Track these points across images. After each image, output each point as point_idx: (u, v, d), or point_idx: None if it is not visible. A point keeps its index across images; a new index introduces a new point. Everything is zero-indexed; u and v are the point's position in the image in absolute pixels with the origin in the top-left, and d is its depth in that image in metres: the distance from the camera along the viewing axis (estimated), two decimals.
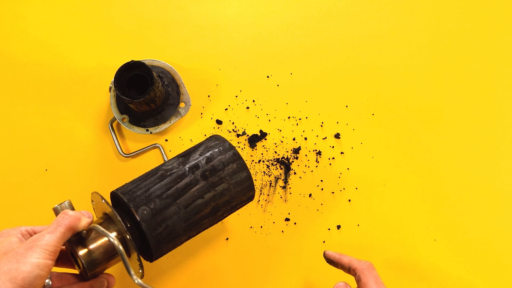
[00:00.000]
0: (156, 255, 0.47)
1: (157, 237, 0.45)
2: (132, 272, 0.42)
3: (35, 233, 0.43)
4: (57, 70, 0.70)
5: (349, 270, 0.49)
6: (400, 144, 0.67)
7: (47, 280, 0.43)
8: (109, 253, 0.44)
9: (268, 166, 0.66)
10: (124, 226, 0.44)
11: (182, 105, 0.66)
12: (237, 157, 0.50)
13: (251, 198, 0.53)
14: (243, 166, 0.49)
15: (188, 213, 0.46)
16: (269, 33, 0.71)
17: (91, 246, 0.43)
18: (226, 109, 0.68)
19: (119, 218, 0.43)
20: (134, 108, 0.63)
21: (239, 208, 0.53)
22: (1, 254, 0.38)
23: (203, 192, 0.47)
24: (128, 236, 0.43)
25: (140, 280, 0.42)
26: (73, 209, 0.44)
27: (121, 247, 0.41)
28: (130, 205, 0.45)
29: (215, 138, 0.52)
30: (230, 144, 0.51)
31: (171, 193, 0.46)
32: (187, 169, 0.48)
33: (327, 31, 0.71)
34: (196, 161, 0.49)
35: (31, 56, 0.70)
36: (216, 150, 0.50)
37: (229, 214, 0.52)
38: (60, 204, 0.44)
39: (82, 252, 0.43)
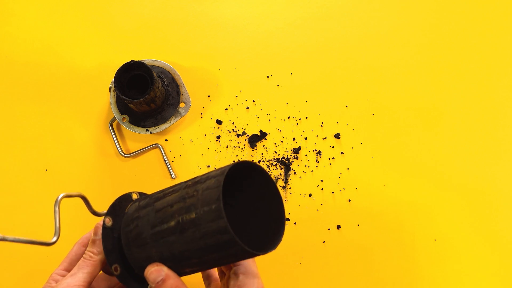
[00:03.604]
0: (129, 258, 0.42)
1: (127, 234, 0.42)
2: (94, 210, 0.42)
3: (67, 271, 0.44)
4: (57, 70, 0.70)
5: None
6: (400, 144, 0.67)
7: None
8: None
9: (268, 166, 0.66)
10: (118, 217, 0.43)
11: (182, 105, 0.66)
12: (220, 173, 0.38)
13: (229, 240, 0.36)
14: (218, 183, 0.37)
15: (156, 218, 0.40)
16: (269, 33, 0.71)
17: None
18: (226, 109, 0.68)
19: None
20: (134, 108, 0.63)
21: (219, 251, 0.37)
22: None
23: (174, 200, 0.40)
24: (109, 221, 0.43)
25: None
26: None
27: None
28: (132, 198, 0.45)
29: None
30: (242, 162, 0.40)
31: (158, 195, 0.43)
32: (192, 178, 0.43)
33: (327, 31, 0.71)
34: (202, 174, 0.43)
35: (31, 56, 0.70)
36: (219, 169, 0.41)
37: (209, 254, 0.38)
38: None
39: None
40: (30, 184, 0.66)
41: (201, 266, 0.40)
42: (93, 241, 0.43)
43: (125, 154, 0.66)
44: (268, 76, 0.69)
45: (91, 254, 0.42)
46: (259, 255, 0.38)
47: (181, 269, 0.41)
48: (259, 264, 0.63)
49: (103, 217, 0.44)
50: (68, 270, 0.44)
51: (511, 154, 0.66)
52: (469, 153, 0.66)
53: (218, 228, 0.36)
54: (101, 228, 0.43)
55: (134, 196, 0.47)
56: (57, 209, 0.41)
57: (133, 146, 0.67)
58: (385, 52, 0.70)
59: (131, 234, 0.42)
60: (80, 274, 0.41)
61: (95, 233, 0.43)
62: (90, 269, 0.41)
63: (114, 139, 0.66)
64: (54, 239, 0.40)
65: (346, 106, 0.68)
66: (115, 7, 0.72)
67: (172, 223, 0.39)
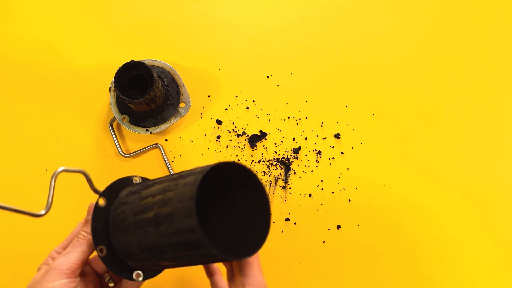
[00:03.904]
0: (114, 243, 0.42)
1: (114, 217, 0.42)
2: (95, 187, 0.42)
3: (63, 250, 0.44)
4: (57, 70, 0.70)
5: None
6: (400, 144, 0.67)
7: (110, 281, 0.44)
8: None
9: (268, 166, 0.66)
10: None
11: (182, 105, 0.66)
12: (201, 171, 0.37)
13: (197, 241, 0.35)
14: (195, 181, 0.36)
15: (139, 207, 0.40)
16: (269, 33, 0.71)
17: None
18: (226, 109, 0.68)
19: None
20: (134, 108, 0.63)
21: (190, 249, 0.37)
22: (28, 287, 0.40)
23: (156, 192, 0.40)
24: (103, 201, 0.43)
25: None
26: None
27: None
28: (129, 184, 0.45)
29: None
30: (227, 162, 0.39)
31: (148, 183, 0.43)
32: (177, 172, 0.43)
33: (327, 31, 0.71)
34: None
35: (31, 56, 0.70)
36: (204, 166, 0.40)
37: (182, 251, 0.37)
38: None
39: None
40: (30, 184, 0.66)
41: (176, 262, 0.40)
42: (87, 221, 0.43)
43: (125, 154, 0.66)
44: (268, 76, 0.69)
45: (84, 234, 0.42)
46: (230, 260, 0.37)
47: (158, 261, 0.41)
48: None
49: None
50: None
51: (511, 154, 0.66)
52: (469, 153, 0.66)
53: (188, 227, 0.35)
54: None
55: (136, 180, 0.46)
56: (52, 182, 0.40)
57: (133, 146, 0.67)
58: (385, 52, 0.70)
59: (117, 218, 0.42)
60: (74, 253, 0.41)
61: (89, 213, 0.43)
62: (83, 248, 0.41)
63: (114, 139, 0.66)
64: (43, 211, 0.40)
65: (346, 106, 0.68)
66: (115, 7, 0.72)
67: (151, 214, 0.38)
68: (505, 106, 0.68)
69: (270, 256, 0.63)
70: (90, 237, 0.42)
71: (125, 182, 0.46)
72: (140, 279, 0.43)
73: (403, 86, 0.69)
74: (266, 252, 0.63)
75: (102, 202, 0.43)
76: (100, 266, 0.46)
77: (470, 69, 0.69)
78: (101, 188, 0.44)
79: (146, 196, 0.40)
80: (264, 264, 0.62)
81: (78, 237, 0.42)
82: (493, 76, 0.69)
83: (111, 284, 0.45)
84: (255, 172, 0.61)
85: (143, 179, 0.47)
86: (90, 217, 0.43)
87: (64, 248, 0.45)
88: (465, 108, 0.68)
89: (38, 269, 0.43)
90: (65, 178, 0.63)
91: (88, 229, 0.42)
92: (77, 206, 0.65)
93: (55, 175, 0.40)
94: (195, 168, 0.39)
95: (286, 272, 0.63)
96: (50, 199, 0.40)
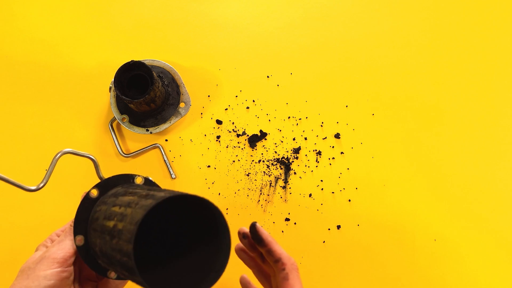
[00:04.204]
0: (88, 236, 0.42)
1: (93, 213, 0.42)
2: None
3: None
4: (57, 70, 0.70)
5: (275, 261, 0.42)
6: (400, 144, 0.67)
7: None
8: None
9: (268, 166, 0.66)
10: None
11: (182, 105, 0.66)
12: (159, 198, 0.35)
13: (131, 268, 0.34)
14: (147, 207, 0.34)
15: (108, 212, 0.39)
16: (269, 33, 0.71)
17: None
18: (226, 109, 0.68)
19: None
20: (134, 108, 0.63)
21: (129, 273, 0.35)
22: (20, 272, 0.40)
23: (124, 203, 0.38)
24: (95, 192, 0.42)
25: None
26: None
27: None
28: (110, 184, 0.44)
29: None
30: (194, 196, 0.36)
31: (130, 190, 0.41)
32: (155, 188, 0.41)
33: (327, 31, 0.71)
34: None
35: (31, 56, 0.70)
36: (170, 191, 0.38)
37: (125, 271, 0.36)
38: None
39: None
40: (30, 184, 0.65)
41: (126, 278, 0.39)
42: None
43: (125, 154, 0.66)
44: (268, 76, 0.69)
45: None
46: None
47: (115, 270, 0.39)
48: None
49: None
50: None
51: (511, 154, 0.66)
52: (469, 153, 0.66)
53: (126, 251, 0.34)
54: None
55: (138, 180, 0.45)
56: (55, 160, 0.41)
57: (133, 146, 0.67)
58: (385, 52, 0.70)
59: (94, 215, 0.41)
60: (67, 241, 0.41)
61: None
62: None
63: (114, 139, 0.66)
64: (34, 187, 0.40)
65: (346, 106, 0.68)
66: (115, 7, 0.72)
67: (111, 224, 0.38)
68: (505, 106, 0.68)
69: None
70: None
71: (124, 179, 0.45)
72: (113, 277, 0.42)
73: (403, 86, 0.69)
74: None
75: (95, 193, 0.43)
76: None
77: (470, 69, 0.69)
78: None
79: (116, 204, 0.39)
80: None
81: (71, 225, 0.42)
82: (493, 76, 0.69)
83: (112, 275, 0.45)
84: (255, 172, 0.60)
85: (146, 180, 0.45)
86: None
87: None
88: (465, 108, 0.68)
89: (36, 249, 0.43)
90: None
91: None
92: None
93: (60, 153, 0.40)
94: (163, 190, 0.38)
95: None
96: (48, 175, 0.40)
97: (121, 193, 0.41)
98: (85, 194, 0.43)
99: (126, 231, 0.35)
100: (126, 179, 0.45)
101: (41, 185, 0.40)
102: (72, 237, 0.41)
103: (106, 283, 0.44)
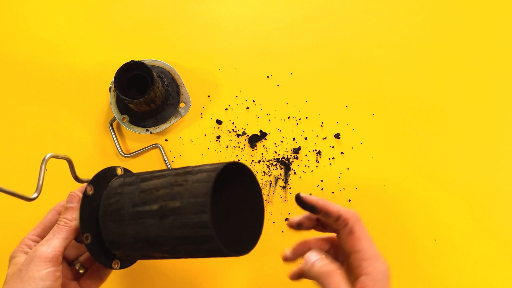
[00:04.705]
0: (103, 231, 0.43)
1: (106, 207, 0.43)
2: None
3: (39, 237, 0.44)
4: (57, 70, 0.70)
5: (336, 220, 0.40)
6: (400, 144, 0.67)
7: (79, 266, 0.45)
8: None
9: (268, 166, 0.66)
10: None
11: (182, 105, 0.66)
12: (213, 169, 0.38)
13: (207, 236, 0.37)
14: (209, 178, 0.37)
15: (139, 198, 0.41)
16: (269, 33, 0.71)
17: None
18: (226, 109, 0.68)
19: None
20: (134, 108, 0.63)
21: (194, 243, 0.38)
22: (10, 276, 0.39)
23: (161, 185, 0.40)
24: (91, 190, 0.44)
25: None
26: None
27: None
28: (116, 176, 0.46)
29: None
30: (236, 163, 0.41)
31: (146, 176, 0.43)
32: (183, 167, 0.44)
33: (327, 31, 0.71)
34: (195, 166, 0.43)
35: (31, 56, 0.70)
36: (213, 164, 0.41)
37: (183, 244, 0.39)
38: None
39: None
40: (30, 184, 0.65)
41: (172, 254, 0.41)
42: (67, 208, 0.43)
43: (125, 154, 0.66)
44: (268, 76, 0.69)
45: (66, 220, 0.42)
46: (232, 256, 0.38)
47: (150, 252, 0.42)
48: (257, 265, 0.63)
49: (81, 185, 0.46)
50: (42, 236, 0.44)
51: (511, 154, 0.66)
52: (470, 152, 0.66)
53: (200, 222, 0.37)
54: (75, 196, 0.43)
55: (119, 171, 0.48)
56: (43, 167, 0.42)
57: (133, 146, 0.67)
58: (385, 52, 0.70)
59: (110, 208, 0.42)
60: (56, 239, 0.41)
61: (70, 201, 0.43)
62: (65, 235, 0.41)
63: (114, 139, 0.66)
64: (35, 195, 0.41)
65: (346, 106, 0.68)
66: (115, 7, 0.72)
67: (155, 206, 0.39)
68: (505, 106, 0.68)
69: (270, 256, 0.63)
70: (72, 224, 0.42)
71: (109, 172, 0.47)
72: (117, 267, 0.45)
73: (403, 86, 0.69)
74: (266, 252, 0.63)
75: (90, 190, 0.44)
76: (70, 253, 0.46)
77: (470, 69, 0.69)
78: (83, 177, 0.46)
79: (147, 189, 0.41)
80: (264, 264, 0.63)
81: (59, 224, 0.42)
82: (493, 76, 0.69)
83: (81, 271, 0.46)
84: (255, 172, 0.62)
85: (125, 170, 0.48)
86: (71, 204, 0.43)
87: (39, 235, 0.44)
88: (465, 107, 0.68)
89: (13, 257, 0.42)
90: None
91: (69, 216, 0.42)
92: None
93: (45, 161, 0.42)
94: (203, 165, 0.40)
95: (287, 272, 0.63)
96: (40, 183, 0.42)
97: (137, 181, 0.43)
98: (74, 193, 0.44)
99: (190, 205, 0.37)
100: (110, 171, 0.47)
101: (35, 195, 0.42)
102: (60, 235, 0.41)
103: (88, 279, 0.45)
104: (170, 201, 0.39)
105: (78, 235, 0.44)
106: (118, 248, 0.43)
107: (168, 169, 0.43)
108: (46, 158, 0.42)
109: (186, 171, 0.40)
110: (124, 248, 0.43)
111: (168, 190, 0.39)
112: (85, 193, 0.43)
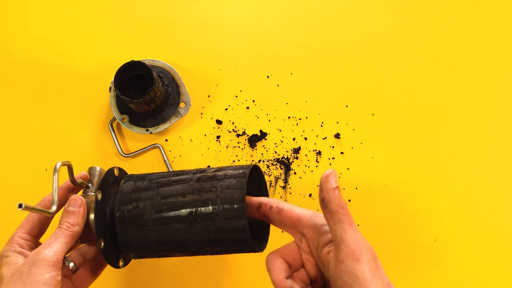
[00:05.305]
0: (120, 236, 0.43)
1: (124, 212, 0.43)
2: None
3: (29, 235, 0.44)
4: (57, 70, 0.70)
5: (258, 208, 0.43)
6: (400, 144, 0.67)
7: (71, 264, 0.44)
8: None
9: (268, 166, 0.66)
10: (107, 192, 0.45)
11: (182, 105, 0.66)
12: (242, 175, 0.41)
13: (243, 238, 0.41)
14: (241, 185, 0.40)
15: (162, 204, 0.42)
16: (269, 33, 0.71)
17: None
18: (226, 109, 0.68)
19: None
20: (134, 108, 0.63)
21: (226, 245, 0.42)
22: (8, 278, 0.39)
23: (186, 191, 0.42)
24: (99, 196, 0.44)
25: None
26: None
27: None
28: (123, 178, 0.47)
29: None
30: (254, 166, 0.44)
31: (161, 180, 0.44)
32: (193, 170, 0.45)
33: (327, 31, 0.71)
34: (207, 169, 0.45)
35: (31, 56, 0.70)
36: (233, 168, 0.44)
37: (213, 246, 0.42)
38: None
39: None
40: (30, 184, 0.66)
41: (194, 254, 0.43)
42: (68, 212, 0.43)
43: (125, 154, 0.66)
44: (268, 76, 0.69)
45: (68, 225, 0.42)
46: (257, 252, 0.42)
47: (171, 253, 0.43)
48: (256, 265, 0.63)
49: (81, 190, 0.47)
50: (32, 234, 0.44)
51: (511, 154, 0.66)
52: (469, 152, 0.66)
53: (237, 227, 0.40)
54: (77, 200, 0.43)
55: (115, 172, 0.48)
56: (55, 177, 0.43)
57: (133, 146, 0.67)
58: (385, 52, 0.70)
59: (129, 214, 0.43)
60: (58, 243, 0.40)
61: (73, 205, 0.43)
62: (67, 239, 0.41)
63: (114, 139, 0.66)
64: (54, 208, 0.42)
65: (346, 106, 0.68)
66: (115, 7, 0.72)
67: (184, 212, 0.41)
68: (505, 106, 0.68)
69: None
70: (74, 229, 0.42)
71: (109, 174, 0.47)
72: (122, 265, 0.47)
73: (403, 86, 0.69)
74: (266, 252, 0.63)
75: (100, 195, 0.44)
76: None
77: (470, 69, 0.69)
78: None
79: (169, 195, 0.42)
80: (263, 264, 0.63)
81: (61, 227, 0.42)
82: (493, 76, 0.69)
83: (72, 268, 0.45)
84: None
85: (120, 169, 0.49)
86: (74, 209, 0.43)
87: (29, 233, 0.44)
88: (465, 107, 0.68)
89: (4, 256, 0.41)
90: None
91: (71, 220, 0.42)
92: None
93: (56, 170, 0.43)
94: (226, 170, 0.43)
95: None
96: (55, 195, 0.43)
97: (153, 186, 0.44)
98: (75, 197, 0.44)
99: (224, 211, 0.40)
100: (110, 174, 0.47)
101: (54, 208, 0.43)
102: (63, 239, 0.41)
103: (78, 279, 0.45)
104: (201, 207, 0.41)
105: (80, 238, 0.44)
106: (135, 250, 0.44)
107: (181, 172, 0.45)
108: (57, 167, 0.43)
109: (208, 176, 0.42)
110: (143, 251, 0.44)
111: (196, 196, 0.41)
112: (97, 199, 0.44)
